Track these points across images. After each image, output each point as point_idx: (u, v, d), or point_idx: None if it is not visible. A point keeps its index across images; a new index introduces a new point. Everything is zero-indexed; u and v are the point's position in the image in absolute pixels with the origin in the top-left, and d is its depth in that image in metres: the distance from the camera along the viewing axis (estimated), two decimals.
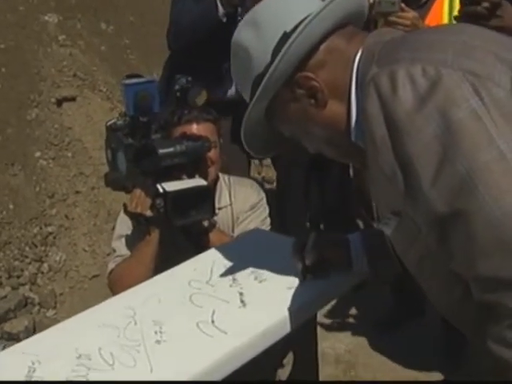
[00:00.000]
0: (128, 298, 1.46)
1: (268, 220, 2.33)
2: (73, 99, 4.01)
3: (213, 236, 2.13)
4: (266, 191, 3.95)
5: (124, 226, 2.21)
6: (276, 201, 3.40)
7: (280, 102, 1.17)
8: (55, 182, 3.63)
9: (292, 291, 1.42)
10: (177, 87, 2.04)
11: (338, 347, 2.91)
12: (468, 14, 1.94)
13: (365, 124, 1.04)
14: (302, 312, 1.38)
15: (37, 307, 3.10)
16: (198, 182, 2.01)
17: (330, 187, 3.54)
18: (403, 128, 0.97)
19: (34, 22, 4.24)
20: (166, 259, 2.06)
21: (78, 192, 3.62)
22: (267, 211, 2.34)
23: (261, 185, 3.61)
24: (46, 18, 4.34)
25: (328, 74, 1.13)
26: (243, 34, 1.18)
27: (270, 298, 1.40)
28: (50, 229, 3.42)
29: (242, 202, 2.29)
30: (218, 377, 1.21)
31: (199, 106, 2.08)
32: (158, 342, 1.26)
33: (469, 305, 1.00)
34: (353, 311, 3.16)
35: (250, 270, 1.52)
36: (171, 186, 1.94)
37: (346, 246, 1.49)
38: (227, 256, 1.59)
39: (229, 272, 1.51)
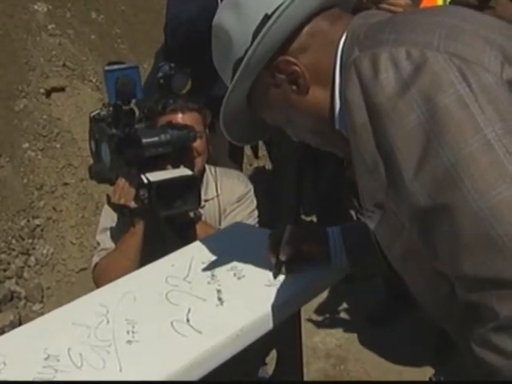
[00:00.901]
0: (103, 295, 1.41)
1: (256, 212, 2.28)
2: (62, 89, 3.95)
3: (198, 228, 2.08)
4: (257, 182, 3.92)
5: (108, 218, 2.16)
6: (268, 192, 3.36)
7: (261, 88, 1.12)
8: (43, 173, 3.58)
9: (271, 288, 1.37)
10: (160, 74, 1.99)
11: (328, 342, 2.88)
12: (459, 6, 1.89)
13: (346, 111, 0.99)
14: (281, 310, 1.33)
15: (23, 301, 3.05)
16: (184, 171, 1.96)
17: (323, 178, 3.50)
18: (384, 114, 0.91)
19: (22, 11, 4.17)
20: (152, 252, 2.03)
21: (66, 184, 3.56)
22: (255, 203, 2.29)
23: (251, 176, 3.57)
24: (36, 6, 4.26)
25: (310, 58, 1.07)
26: (224, 15, 1.12)
27: (248, 295, 1.35)
28: (37, 221, 3.37)
29: (228, 194, 2.24)
30: (191, 378, 1.16)
31: (184, 94, 2.03)
32: (129, 342, 1.21)
33: (454, 304, 0.95)
34: (345, 305, 3.12)
35: (230, 265, 1.47)
36: (155, 176, 1.89)
37: (325, 240, 1.44)
38: (207, 251, 1.54)
39: (207, 268, 1.46)
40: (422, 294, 1.11)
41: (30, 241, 3.29)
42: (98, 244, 2.15)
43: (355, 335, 2.90)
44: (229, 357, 1.22)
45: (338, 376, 2.65)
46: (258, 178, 4.07)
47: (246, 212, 2.22)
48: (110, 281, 1.73)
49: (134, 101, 2.24)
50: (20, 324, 2.87)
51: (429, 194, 0.88)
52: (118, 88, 1.83)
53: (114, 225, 2.13)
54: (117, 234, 2.11)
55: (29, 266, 3.22)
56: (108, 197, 2.03)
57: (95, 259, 2.11)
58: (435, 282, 1.00)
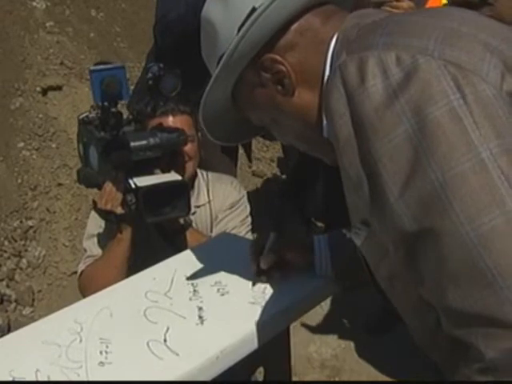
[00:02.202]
0: (78, 311, 1.34)
1: (248, 220, 2.21)
2: (59, 88, 3.88)
3: (189, 236, 2.01)
4: (256, 185, 3.85)
5: (95, 224, 2.09)
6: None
7: (246, 86, 1.04)
8: (38, 173, 3.51)
9: (256, 306, 1.30)
10: (149, 75, 1.92)
11: (324, 351, 2.80)
12: (458, 3, 1.81)
13: (329, 120, 0.91)
14: (265, 329, 1.26)
15: (13, 304, 2.98)
16: (173, 176, 1.89)
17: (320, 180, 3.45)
18: (370, 126, 0.83)
19: (21, 8, 4.11)
20: (142, 260, 1.97)
21: (60, 184, 3.49)
22: (248, 210, 2.22)
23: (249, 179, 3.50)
24: (34, 3, 4.20)
25: (298, 57, 0.99)
26: (211, 7, 1.05)
27: (231, 313, 1.28)
28: (30, 222, 3.30)
29: (221, 201, 2.17)
30: None
31: (173, 95, 1.95)
32: (101, 363, 1.14)
33: (440, 336, 0.87)
34: (342, 313, 3.03)
35: (214, 280, 1.40)
36: (143, 181, 1.82)
37: (310, 248, 1.36)
38: (191, 264, 1.47)
39: (190, 283, 1.39)
40: (408, 319, 1.04)
41: (23, 242, 3.22)
42: (85, 251, 2.08)
43: (352, 345, 2.82)
44: (207, 380, 1.15)
45: None
46: (255, 181, 4.01)
47: (238, 219, 2.15)
48: (97, 290, 1.67)
49: (124, 103, 2.16)
50: (9, 328, 2.81)
51: (414, 216, 0.80)
52: (103, 88, 1.76)
53: (101, 231, 2.06)
54: (104, 240, 2.04)
55: (20, 269, 3.15)
56: (94, 202, 1.96)
57: (81, 267, 2.04)
58: (422, 310, 0.93)
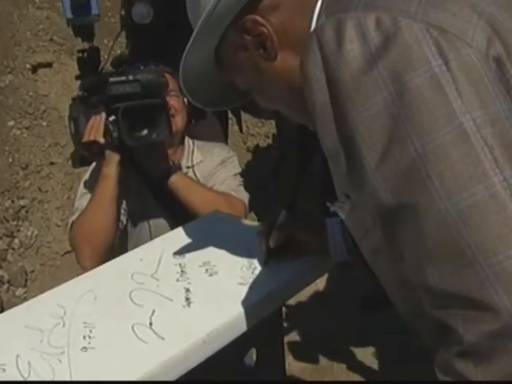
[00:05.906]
0: (62, 294, 1.30)
1: (240, 178, 2.16)
2: (49, 65, 3.82)
3: (177, 179, 1.95)
4: (251, 161, 3.79)
5: (87, 184, 2.06)
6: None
7: (228, 48, 0.99)
8: (29, 152, 3.46)
9: (245, 287, 1.25)
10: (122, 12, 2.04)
11: (322, 330, 2.75)
12: None
13: (305, 87, 0.85)
14: (254, 311, 1.21)
15: (6, 285, 2.95)
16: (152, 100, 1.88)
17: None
18: (347, 94, 0.78)
19: None
20: (133, 216, 2.00)
21: (52, 163, 3.45)
22: (239, 169, 2.18)
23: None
24: None
25: (282, 19, 0.93)
26: None
27: (219, 295, 1.24)
28: (22, 202, 3.26)
29: (211, 160, 2.14)
30: None
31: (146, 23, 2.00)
32: (84, 349, 1.10)
33: (424, 316, 0.83)
34: (339, 291, 2.99)
35: (202, 260, 1.36)
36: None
37: (323, 230, 1.30)
38: (179, 244, 1.43)
39: (178, 263, 1.35)
40: (393, 296, 0.99)
41: (15, 223, 3.18)
42: (76, 209, 2.02)
43: (351, 324, 2.77)
44: (194, 365, 1.12)
45: (329, 367, 2.54)
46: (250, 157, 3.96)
47: (230, 173, 2.10)
48: (86, 235, 1.77)
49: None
50: (2, 310, 2.78)
51: (392, 190, 0.75)
52: (72, 2, 1.84)
53: (92, 189, 2.02)
54: None
55: (13, 249, 3.11)
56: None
57: (71, 219, 1.98)
58: (405, 287, 0.87)
